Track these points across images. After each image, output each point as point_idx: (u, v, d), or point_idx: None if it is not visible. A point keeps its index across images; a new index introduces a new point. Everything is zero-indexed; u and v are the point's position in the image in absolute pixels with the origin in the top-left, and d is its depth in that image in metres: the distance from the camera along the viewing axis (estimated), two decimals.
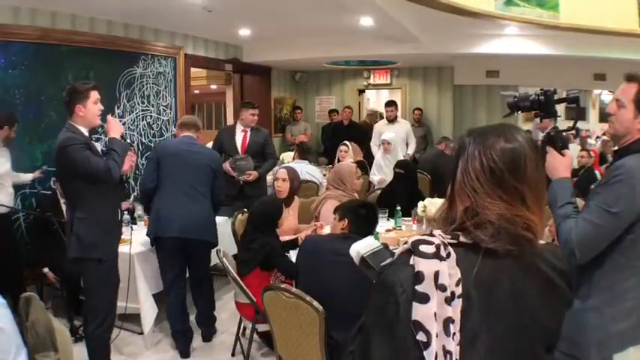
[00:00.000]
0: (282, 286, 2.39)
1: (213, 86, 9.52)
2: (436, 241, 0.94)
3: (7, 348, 1.65)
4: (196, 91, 9.38)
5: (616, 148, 1.82)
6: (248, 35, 6.57)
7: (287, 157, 6.68)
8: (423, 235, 0.97)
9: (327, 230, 3.39)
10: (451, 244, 0.94)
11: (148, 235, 3.40)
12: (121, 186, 2.88)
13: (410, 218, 3.91)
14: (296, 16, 5.50)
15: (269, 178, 5.67)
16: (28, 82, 4.43)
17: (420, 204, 3.62)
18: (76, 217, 2.68)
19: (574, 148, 7.50)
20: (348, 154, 6.21)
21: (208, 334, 3.57)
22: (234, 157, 4.61)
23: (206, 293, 3.55)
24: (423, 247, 0.93)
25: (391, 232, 3.65)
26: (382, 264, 1.23)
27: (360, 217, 2.57)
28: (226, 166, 4.45)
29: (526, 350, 0.98)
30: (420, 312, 0.89)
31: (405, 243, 0.99)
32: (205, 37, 6.71)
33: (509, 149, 0.96)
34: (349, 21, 5.50)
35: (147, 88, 5.73)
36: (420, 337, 0.89)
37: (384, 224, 3.79)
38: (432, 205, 3.51)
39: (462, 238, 0.95)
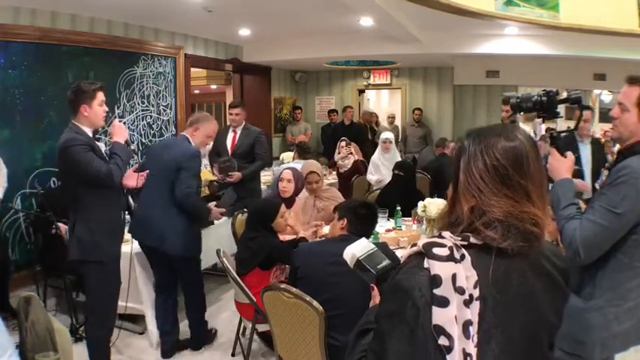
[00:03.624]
0: (282, 286, 2.39)
1: (213, 86, 9.52)
2: (448, 243, 0.93)
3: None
4: (196, 91, 9.37)
5: (617, 148, 1.82)
6: (248, 35, 6.57)
7: (287, 157, 6.68)
8: (433, 237, 0.97)
9: (326, 230, 3.39)
10: (463, 246, 0.94)
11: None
12: (121, 193, 2.79)
13: (410, 218, 3.92)
14: (296, 16, 5.50)
15: (268, 178, 5.67)
16: (28, 82, 4.43)
17: (420, 204, 3.62)
18: (77, 218, 2.66)
19: None
20: (346, 149, 6.21)
21: (197, 345, 3.39)
22: (219, 159, 4.57)
23: (193, 305, 3.34)
24: (436, 250, 0.92)
25: (391, 232, 3.66)
26: (379, 266, 1.23)
27: (359, 216, 2.56)
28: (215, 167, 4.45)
29: (534, 347, 0.99)
30: (440, 316, 0.89)
31: (414, 245, 0.98)
32: (205, 37, 6.71)
33: (511, 147, 0.97)
34: (349, 21, 5.50)
35: (147, 88, 5.73)
36: (442, 341, 0.88)
37: (384, 224, 3.79)
38: (432, 205, 3.51)
39: (472, 240, 0.95)
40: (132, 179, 2.83)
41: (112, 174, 2.54)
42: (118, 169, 2.58)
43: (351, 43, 6.67)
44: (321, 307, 2.20)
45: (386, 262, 1.24)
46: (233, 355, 3.35)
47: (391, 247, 2.85)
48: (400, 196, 4.13)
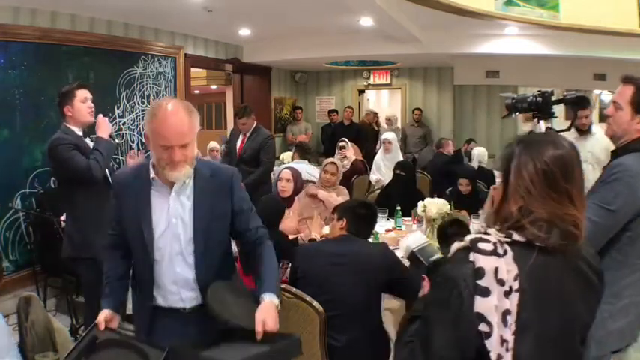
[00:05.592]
0: (282, 286, 2.39)
1: (213, 86, 9.52)
2: (492, 239, 1.04)
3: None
4: (196, 91, 9.38)
5: (613, 148, 1.83)
6: (248, 35, 6.57)
7: (287, 157, 6.68)
8: (479, 233, 1.08)
9: (326, 230, 3.39)
10: (506, 242, 1.04)
11: None
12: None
13: (410, 218, 3.92)
14: (296, 16, 5.50)
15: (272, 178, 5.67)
16: (28, 82, 4.43)
17: (420, 204, 3.62)
18: (69, 216, 2.70)
19: None
20: (340, 153, 6.20)
21: None
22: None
23: None
24: (481, 245, 1.03)
25: (391, 232, 3.66)
26: (431, 259, 1.37)
27: (358, 216, 2.56)
28: None
29: (566, 341, 1.09)
30: (482, 304, 1.00)
31: (462, 240, 1.09)
32: (205, 37, 6.71)
33: (560, 155, 1.07)
34: (349, 21, 5.50)
35: (147, 88, 5.73)
36: (483, 327, 0.99)
37: (384, 224, 3.79)
38: (431, 205, 3.51)
39: (515, 237, 1.04)
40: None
41: (90, 169, 2.57)
42: (96, 164, 2.60)
43: (351, 43, 6.67)
44: (321, 307, 2.20)
45: (437, 255, 1.36)
46: None
47: (391, 248, 2.85)
48: (400, 196, 4.14)
